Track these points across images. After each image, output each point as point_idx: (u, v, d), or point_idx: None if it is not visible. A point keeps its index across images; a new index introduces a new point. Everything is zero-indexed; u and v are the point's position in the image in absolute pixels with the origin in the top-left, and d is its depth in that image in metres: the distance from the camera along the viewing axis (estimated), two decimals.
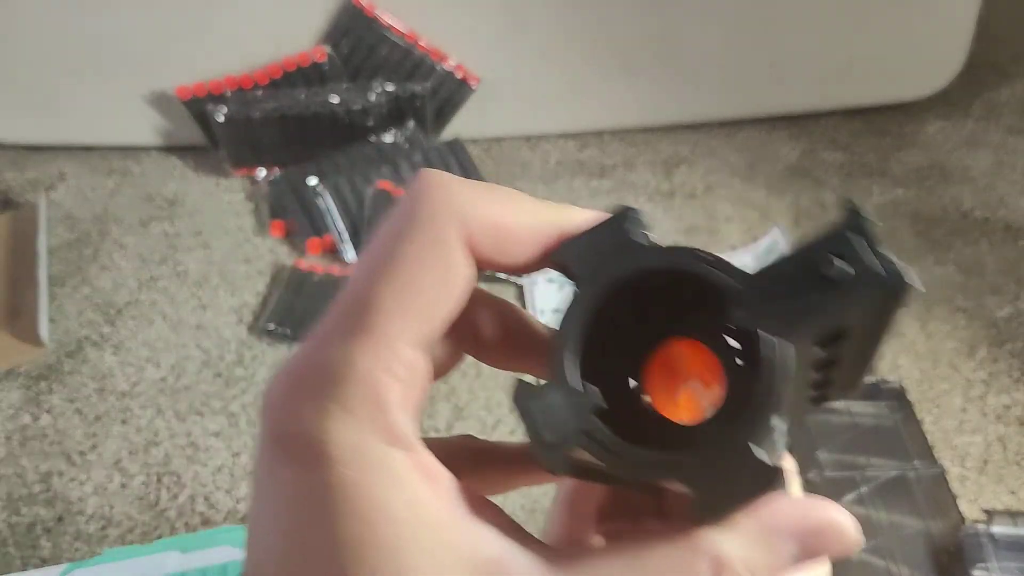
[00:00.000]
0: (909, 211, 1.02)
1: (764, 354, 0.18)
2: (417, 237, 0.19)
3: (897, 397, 0.78)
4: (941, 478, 0.71)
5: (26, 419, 0.80)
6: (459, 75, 1.08)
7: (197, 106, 1.05)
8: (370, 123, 1.05)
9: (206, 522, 0.71)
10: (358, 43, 1.06)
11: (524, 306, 0.89)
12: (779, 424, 0.18)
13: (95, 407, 0.81)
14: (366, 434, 0.17)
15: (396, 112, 1.07)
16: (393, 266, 0.18)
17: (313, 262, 0.94)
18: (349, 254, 0.95)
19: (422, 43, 1.07)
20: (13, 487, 0.74)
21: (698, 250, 0.19)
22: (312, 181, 0.99)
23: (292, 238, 0.99)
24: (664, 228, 1.01)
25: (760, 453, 0.17)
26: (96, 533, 0.70)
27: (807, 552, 0.19)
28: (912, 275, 0.18)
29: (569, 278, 0.20)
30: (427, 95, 1.06)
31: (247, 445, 0.77)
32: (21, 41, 1.05)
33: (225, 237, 1.00)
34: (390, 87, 1.05)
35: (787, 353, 0.18)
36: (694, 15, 1.08)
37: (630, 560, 0.18)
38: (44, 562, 0.69)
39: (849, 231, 0.18)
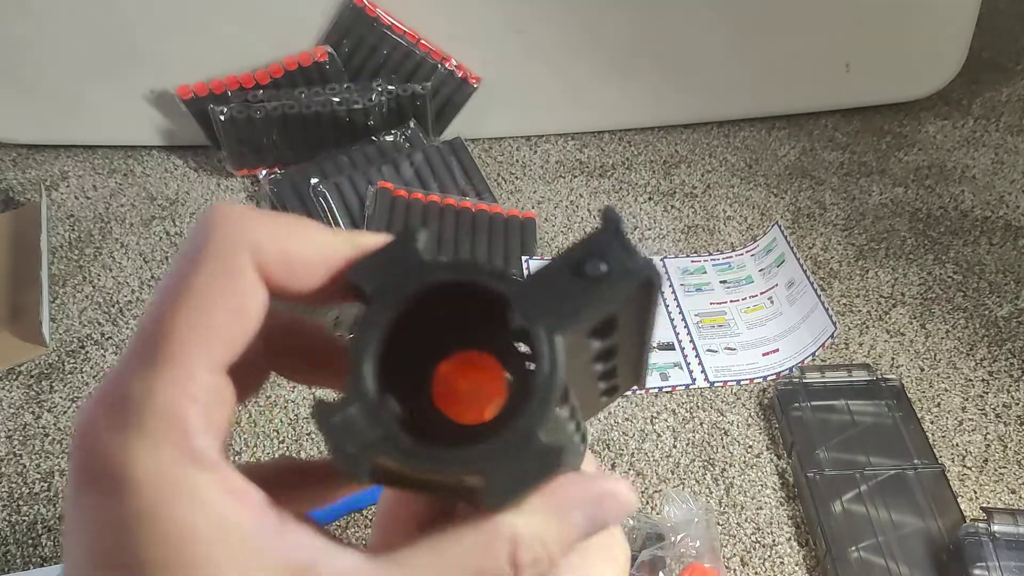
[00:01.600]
0: (908, 210, 1.02)
1: (537, 347, 0.19)
2: (208, 266, 0.19)
3: (897, 396, 0.78)
4: (941, 476, 0.71)
5: (27, 418, 0.80)
6: (460, 75, 1.09)
7: (198, 105, 1.05)
8: (371, 123, 1.05)
9: None
10: (359, 43, 1.06)
11: None
12: (563, 412, 0.20)
13: None
14: (168, 458, 0.18)
15: (397, 112, 1.07)
16: (186, 295, 0.19)
17: None
18: None
19: (423, 43, 1.07)
20: (14, 486, 0.74)
21: (480, 263, 0.20)
22: (313, 180, 0.99)
23: None
24: (664, 228, 1.01)
25: (544, 436, 0.19)
26: None
27: (592, 520, 0.21)
28: (656, 268, 0.20)
29: (361, 300, 0.20)
30: (428, 95, 1.06)
31: (248, 443, 0.77)
32: (23, 41, 1.05)
33: None
34: (391, 87, 1.05)
35: (557, 343, 0.19)
36: (693, 15, 1.08)
37: (435, 548, 0.19)
38: (45, 561, 0.69)
39: (606, 235, 0.20)
